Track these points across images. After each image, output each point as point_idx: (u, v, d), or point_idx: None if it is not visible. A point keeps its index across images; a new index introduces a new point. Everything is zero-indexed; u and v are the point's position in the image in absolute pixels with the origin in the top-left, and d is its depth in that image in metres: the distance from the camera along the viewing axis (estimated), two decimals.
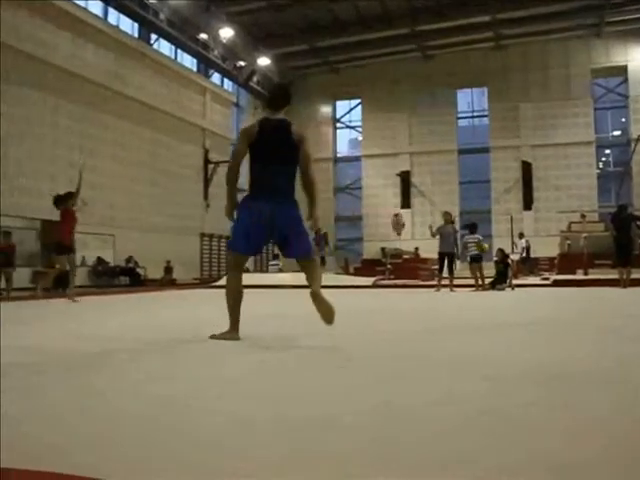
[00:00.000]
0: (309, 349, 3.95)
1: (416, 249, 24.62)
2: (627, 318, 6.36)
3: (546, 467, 1.54)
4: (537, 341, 4.26)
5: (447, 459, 1.61)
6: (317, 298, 4.03)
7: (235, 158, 4.40)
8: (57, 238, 10.63)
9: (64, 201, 10.56)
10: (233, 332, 4.22)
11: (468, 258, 14.20)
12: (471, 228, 14.54)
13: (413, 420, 2.01)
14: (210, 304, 8.70)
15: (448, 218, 14.15)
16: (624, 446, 1.72)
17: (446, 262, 13.70)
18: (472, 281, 13.79)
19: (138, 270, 21.23)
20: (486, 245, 14.44)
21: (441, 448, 1.70)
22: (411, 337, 4.64)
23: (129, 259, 21.09)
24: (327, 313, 4.00)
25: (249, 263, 30.55)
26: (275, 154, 4.21)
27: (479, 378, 2.69)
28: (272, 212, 4.14)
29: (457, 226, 15.52)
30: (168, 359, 3.50)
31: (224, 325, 4.27)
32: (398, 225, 22.04)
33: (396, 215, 22.58)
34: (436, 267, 15.02)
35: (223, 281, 17.64)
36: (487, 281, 13.79)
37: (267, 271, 24.00)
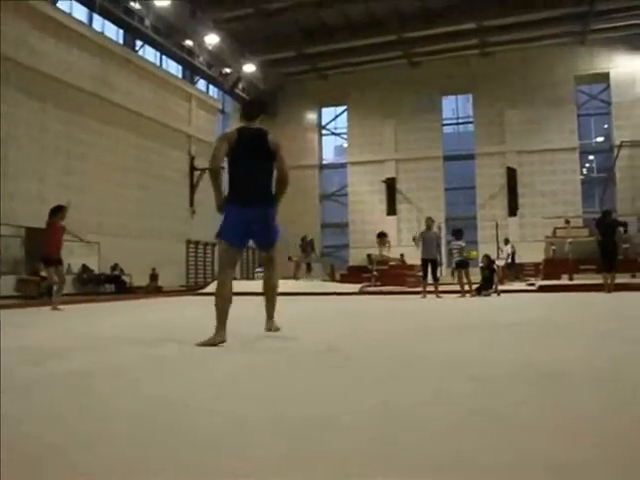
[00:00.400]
0: (302, 350, 3.95)
1: (402, 255, 24.66)
2: (612, 321, 6.41)
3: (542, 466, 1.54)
4: (524, 342, 4.28)
5: (442, 459, 1.61)
6: (273, 291, 4.89)
7: (215, 160, 4.59)
8: (45, 250, 10.61)
9: (53, 214, 10.58)
10: (220, 335, 4.29)
11: (453, 264, 14.23)
12: (456, 234, 14.56)
13: (409, 420, 2.01)
14: (198, 310, 8.65)
15: (430, 224, 14.16)
16: (615, 444, 1.72)
17: (430, 268, 13.72)
18: (458, 287, 13.81)
19: (123, 278, 21.11)
20: (474, 252, 14.51)
21: (437, 448, 1.70)
22: (401, 339, 4.65)
23: (114, 266, 20.96)
24: (270, 312, 4.82)
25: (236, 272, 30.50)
26: (253, 158, 4.48)
27: (466, 378, 2.69)
28: (252, 210, 4.46)
29: (443, 232, 15.58)
30: (159, 362, 3.48)
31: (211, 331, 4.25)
32: (383, 246, 22.02)
33: (379, 236, 22.44)
34: (421, 274, 15.03)
35: (210, 288, 17.65)
36: (473, 287, 13.84)
37: (253, 278, 23.91)
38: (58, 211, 10.61)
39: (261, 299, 4.97)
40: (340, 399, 2.33)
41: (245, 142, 4.49)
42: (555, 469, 1.52)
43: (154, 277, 22.19)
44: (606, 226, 13.35)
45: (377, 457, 1.63)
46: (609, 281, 13.05)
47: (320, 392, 2.48)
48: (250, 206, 4.43)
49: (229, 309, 4.39)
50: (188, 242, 26.39)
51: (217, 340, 4.22)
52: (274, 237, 4.75)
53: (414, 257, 17.23)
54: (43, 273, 16.24)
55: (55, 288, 10.90)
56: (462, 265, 13.81)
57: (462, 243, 14.22)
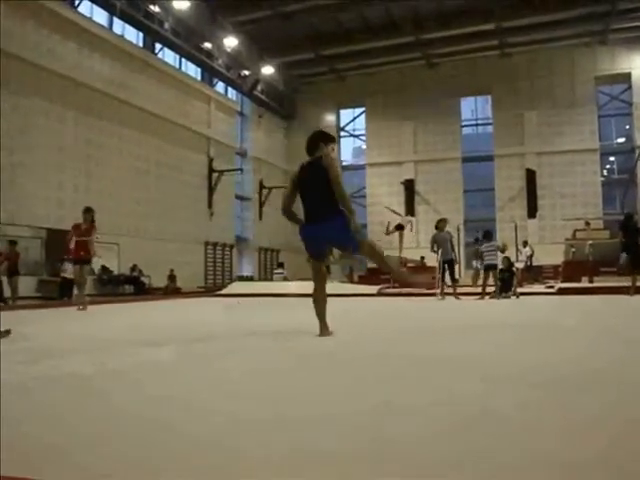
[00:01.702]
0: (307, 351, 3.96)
1: (422, 258, 24.46)
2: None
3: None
4: (538, 345, 4.25)
5: (447, 459, 1.61)
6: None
7: (284, 205, 5.29)
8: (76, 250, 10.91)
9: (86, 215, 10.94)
10: (326, 330, 5.03)
11: (479, 265, 14.05)
12: (487, 236, 14.41)
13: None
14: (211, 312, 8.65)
15: (442, 225, 14.00)
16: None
17: (447, 269, 13.64)
18: (474, 289, 13.71)
19: (142, 279, 21.25)
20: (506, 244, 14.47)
21: (441, 448, 1.71)
22: (417, 339, 4.64)
23: (133, 267, 21.11)
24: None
25: (251, 272, 30.55)
26: (312, 187, 5.08)
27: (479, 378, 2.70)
28: (319, 228, 5.01)
29: (462, 233, 15.49)
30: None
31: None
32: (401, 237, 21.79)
33: (398, 228, 22.17)
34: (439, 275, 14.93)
35: (228, 290, 17.71)
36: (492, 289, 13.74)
37: (272, 279, 23.98)
38: (89, 212, 10.92)
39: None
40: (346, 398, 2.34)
41: (306, 177, 5.10)
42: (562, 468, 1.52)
43: (172, 278, 22.32)
44: (629, 229, 13.26)
45: (379, 456, 1.64)
46: (635, 283, 12.88)
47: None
48: (314, 223, 5.01)
49: (325, 309, 5.05)
50: (206, 243, 26.51)
51: (325, 334, 4.95)
52: (353, 243, 5.08)
53: (434, 259, 17.18)
54: (65, 274, 16.47)
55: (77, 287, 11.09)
56: (492, 267, 13.68)
57: (497, 243, 14.13)
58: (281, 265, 25.32)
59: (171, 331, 5.86)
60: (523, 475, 1.52)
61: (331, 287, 16.80)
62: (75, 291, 11.23)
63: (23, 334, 5.30)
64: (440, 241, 13.64)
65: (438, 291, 13.57)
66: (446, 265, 13.58)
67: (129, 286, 20.83)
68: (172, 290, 21.27)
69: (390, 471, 1.54)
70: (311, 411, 2.14)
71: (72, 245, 10.91)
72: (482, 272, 14.16)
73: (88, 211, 10.96)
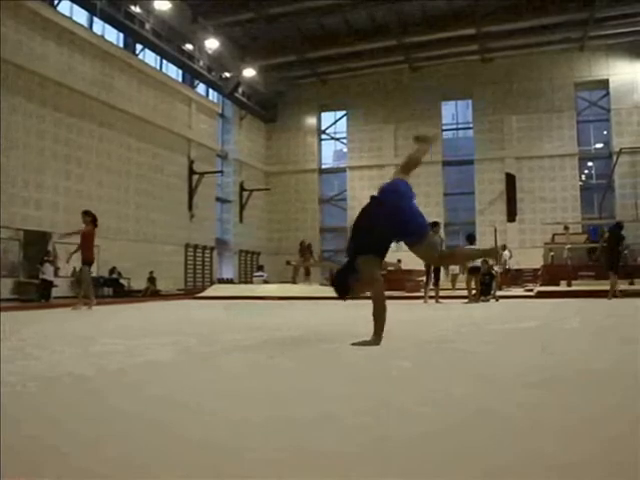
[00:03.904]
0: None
1: (399, 261, 24.49)
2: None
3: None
4: (523, 346, 4.27)
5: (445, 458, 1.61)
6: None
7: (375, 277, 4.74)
8: (89, 253, 11.32)
9: (89, 218, 11.32)
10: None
11: (457, 268, 14.09)
12: (470, 239, 14.45)
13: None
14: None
15: (436, 229, 13.97)
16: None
17: (434, 273, 13.68)
18: (455, 292, 13.75)
19: (121, 281, 21.09)
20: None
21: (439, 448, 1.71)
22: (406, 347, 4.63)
23: (112, 270, 20.95)
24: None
25: (231, 274, 30.47)
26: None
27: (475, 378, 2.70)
28: None
29: (443, 237, 15.51)
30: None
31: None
32: None
33: None
34: (422, 279, 14.97)
35: (208, 292, 17.62)
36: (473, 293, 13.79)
37: (252, 282, 23.91)
38: (90, 216, 11.30)
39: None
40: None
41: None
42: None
43: (152, 280, 22.18)
44: (616, 237, 13.59)
45: (379, 456, 1.63)
46: (615, 287, 13.10)
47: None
48: None
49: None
50: (187, 245, 26.39)
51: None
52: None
53: (410, 262, 17.24)
54: (44, 276, 16.39)
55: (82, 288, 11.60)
56: (476, 270, 13.71)
57: (478, 247, 14.17)
58: (261, 268, 25.31)
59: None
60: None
61: (311, 290, 16.66)
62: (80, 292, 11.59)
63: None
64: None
65: (432, 294, 13.57)
66: (433, 269, 13.63)
67: (108, 288, 20.66)
68: (152, 292, 21.13)
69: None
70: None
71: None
72: (466, 275, 14.18)
73: (86, 214, 11.33)
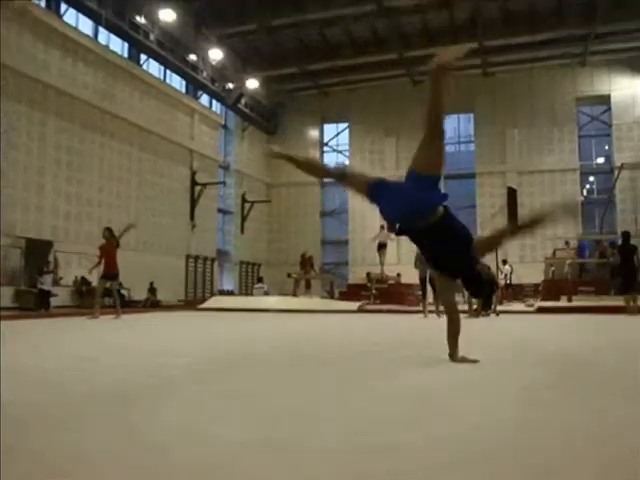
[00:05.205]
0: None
1: (398, 275, 24.46)
2: None
3: None
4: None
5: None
6: None
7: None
8: (115, 267, 12.15)
9: (111, 234, 12.08)
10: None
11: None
12: None
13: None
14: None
15: None
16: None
17: (430, 287, 13.60)
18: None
19: (122, 291, 21.02)
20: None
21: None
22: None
23: None
24: None
25: (232, 286, 30.43)
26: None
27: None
28: None
29: None
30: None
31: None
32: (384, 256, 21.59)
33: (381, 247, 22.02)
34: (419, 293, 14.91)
35: (209, 303, 17.60)
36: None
37: (252, 294, 23.89)
38: (107, 231, 12.11)
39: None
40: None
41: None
42: None
43: (153, 291, 22.14)
44: (627, 250, 13.42)
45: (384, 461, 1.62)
46: (631, 303, 12.98)
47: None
48: None
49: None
50: (188, 256, 26.37)
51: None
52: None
53: (410, 276, 17.24)
54: (42, 286, 16.43)
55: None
56: None
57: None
58: (261, 280, 25.27)
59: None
60: None
61: (311, 303, 16.62)
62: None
63: None
64: (423, 259, 13.52)
65: (431, 309, 13.47)
66: (429, 283, 13.55)
67: (109, 298, 20.59)
68: (152, 303, 21.09)
69: None
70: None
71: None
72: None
73: (106, 230, 12.17)
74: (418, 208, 4.00)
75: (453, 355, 4.13)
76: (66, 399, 2.70)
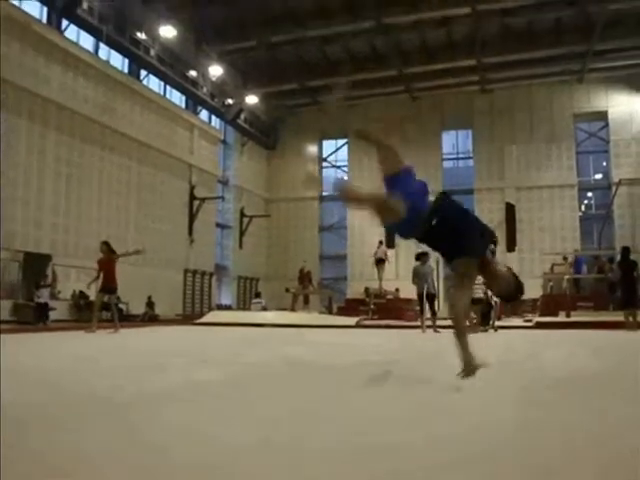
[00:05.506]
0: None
1: (396, 290, 24.44)
2: None
3: None
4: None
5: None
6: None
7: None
8: (114, 282, 12.17)
9: (110, 248, 12.14)
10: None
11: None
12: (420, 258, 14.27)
13: None
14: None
15: (425, 259, 13.78)
16: None
17: (428, 302, 13.58)
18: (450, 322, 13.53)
19: (120, 305, 20.97)
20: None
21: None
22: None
23: None
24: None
25: (230, 301, 30.40)
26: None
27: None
28: None
29: (440, 266, 15.42)
30: None
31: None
32: (383, 271, 21.59)
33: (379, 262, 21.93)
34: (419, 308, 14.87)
35: (207, 318, 17.56)
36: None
37: (250, 309, 23.82)
38: (104, 245, 12.17)
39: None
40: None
41: None
42: None
43: (151, 305, 22.10)
44: (627, 266, 13.41)
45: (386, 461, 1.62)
46: (631, 318, 12.97)
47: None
48: None
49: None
50: (186, 271, 26.35)
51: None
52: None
53: (408, 291, 17.22)
54: (40, 300, 16.42)
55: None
56: (478, 302, 13.50)
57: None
58: (258, 295, 25.21)
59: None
60: None
61: (310, 318, 16.60)
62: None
63: None
64: (421, 274, 13.55)
65: (428, 324, 13.42)
66: (427, 298, 13.53)
67: (107, 312, 20.55)
68: (150, 317, 21.05)
69: None
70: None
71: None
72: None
73: (103, 244, 12.14)
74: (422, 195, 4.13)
75: (468, 365, 3.39)
76: (66, 399, 2.70)
